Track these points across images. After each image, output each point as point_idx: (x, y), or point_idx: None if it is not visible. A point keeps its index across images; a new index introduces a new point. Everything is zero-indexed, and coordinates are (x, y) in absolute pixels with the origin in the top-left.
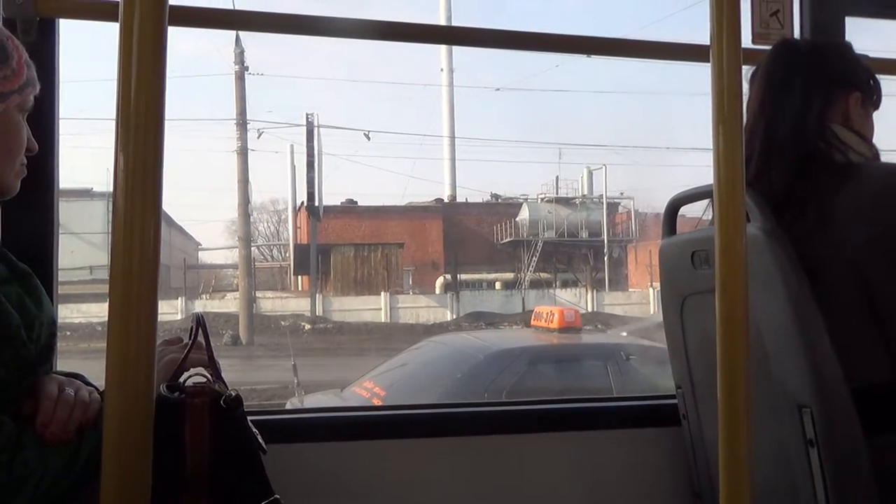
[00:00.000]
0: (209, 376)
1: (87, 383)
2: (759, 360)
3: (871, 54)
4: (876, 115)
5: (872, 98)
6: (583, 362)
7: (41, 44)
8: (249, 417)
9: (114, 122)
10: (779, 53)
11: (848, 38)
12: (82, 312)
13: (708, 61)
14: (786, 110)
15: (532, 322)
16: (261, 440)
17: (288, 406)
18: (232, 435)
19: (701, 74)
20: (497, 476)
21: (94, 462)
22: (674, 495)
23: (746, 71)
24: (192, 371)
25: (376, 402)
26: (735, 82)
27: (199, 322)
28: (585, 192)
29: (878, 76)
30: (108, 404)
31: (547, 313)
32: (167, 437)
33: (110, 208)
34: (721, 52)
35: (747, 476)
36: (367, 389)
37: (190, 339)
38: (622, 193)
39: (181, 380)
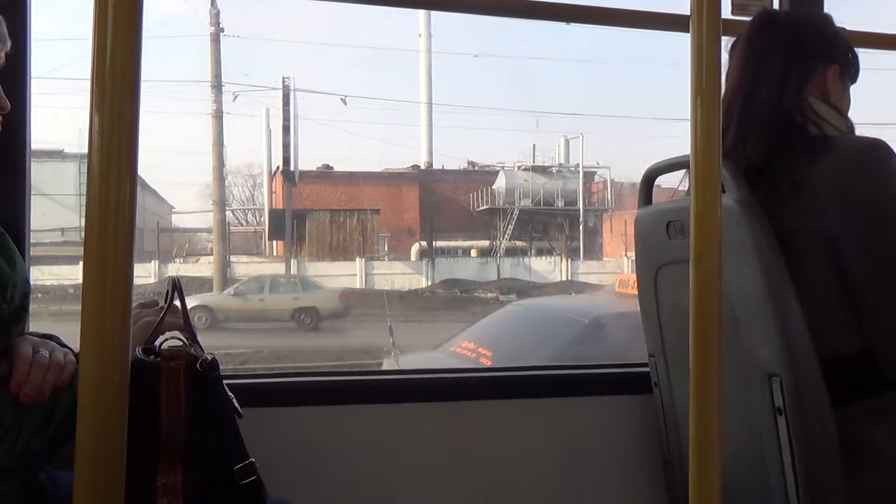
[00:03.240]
0: (185, 340)
1: (62, 345)
2: (730, 330)
3: (850, 27)
4: (854, 89)
5: (850, 72)
6: None
7: (11, 1)
8: (225, 381)
9: (86, 83)
10: (758, 25)
11: (827, 9)
12: (54, 274)
13: (687, 31)
14: (764, 82)
15: (617, 289)
16: (236, 404)
17: (384, 366)
18: (208, 398)
19: (680, 44)
20: (468, 442)
21: (68, 423)
22: (644, 461)
23: (726, 42)
24: (168, 334)
25: (484, 362)
26: (714, 53)
27: (175, 285)
28: (562, 161)
29: (856, 49)
30: (83, 366)
31: (634, 280)
32: (143, 401)
33: (82, 169)
34: (701, 22)
35: (717, 444)
36: (471, 350)
37: (165, 302)
38: (598, 163)
39: (156, 343)
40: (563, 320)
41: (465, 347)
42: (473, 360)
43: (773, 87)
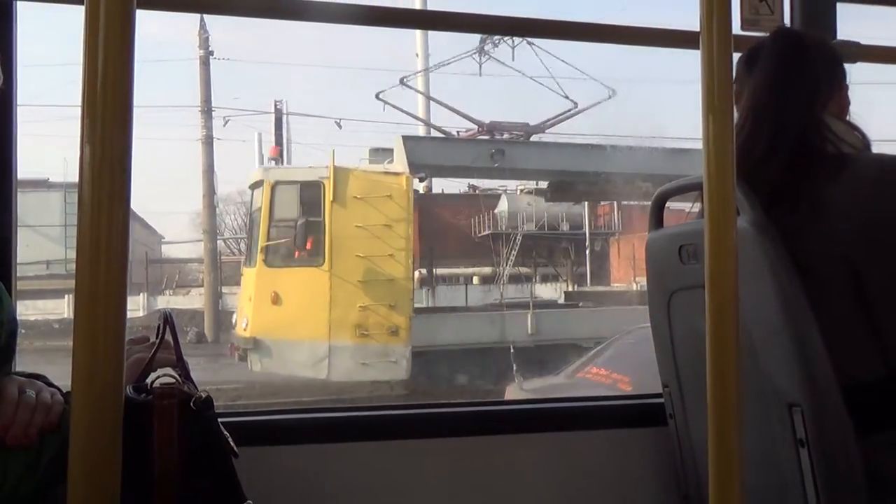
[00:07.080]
0: (177, 377)
1: (50, 384)
2: (748, 358)
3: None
4: (868, 104)
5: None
6: None
7: None
8: (220, 419)
9: (71, 110)
10: (779, 45)
11: (838, 24)
12: (38, 309)
13: (697, 48)
14: (792, 103)
15: None
16: (232, 443)
17: (507, 395)
18: (202, 438)
19: (690, 62)
20: (478, 479)
21: (56, 465)
22: (661, 497)
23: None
24: (160, 371)
25: (622, 388)
26: (726, 70)
27: (167, 320)
28: None
29: (869, 64)
30: (75, 405)
31: None
32: (135, 440)
33: (68, 199)
34: (711, 38)
35: (737, 477)
36: (604, 376)
37: (157, 337)
38: None
39: (148, 380)
40: None
41: (595, 374)
42: (609, 385)
43: (801, 107)
